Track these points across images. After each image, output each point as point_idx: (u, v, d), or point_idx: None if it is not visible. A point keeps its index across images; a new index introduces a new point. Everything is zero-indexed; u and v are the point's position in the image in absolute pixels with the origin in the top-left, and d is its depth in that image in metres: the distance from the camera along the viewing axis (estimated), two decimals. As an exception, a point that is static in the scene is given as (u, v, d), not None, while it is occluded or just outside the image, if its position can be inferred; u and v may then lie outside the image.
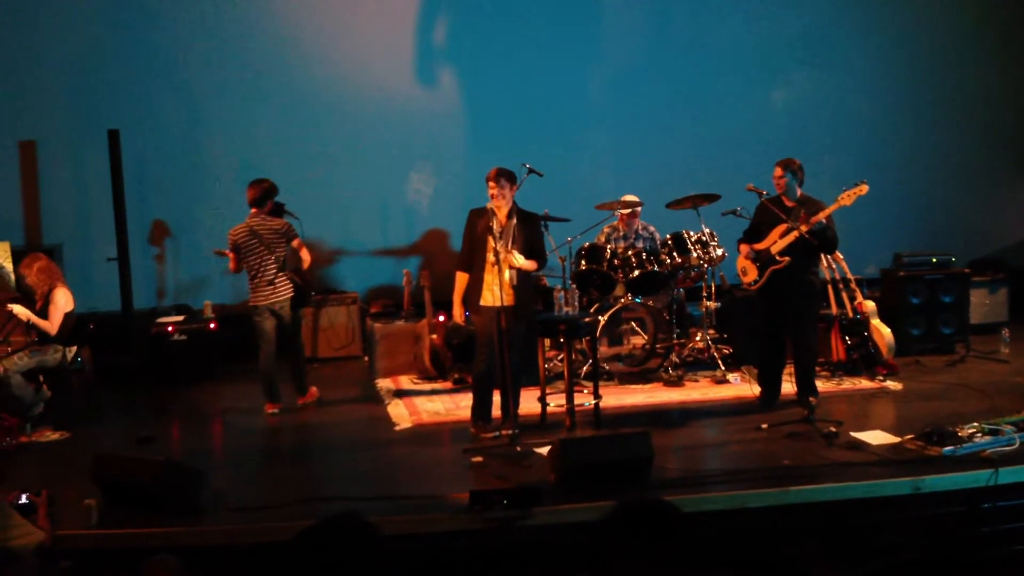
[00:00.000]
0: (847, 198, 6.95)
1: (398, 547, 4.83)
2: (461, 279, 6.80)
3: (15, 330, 7.66)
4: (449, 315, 7.63)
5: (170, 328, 8.83)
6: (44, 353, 7.27)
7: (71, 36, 9.45)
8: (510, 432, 6.33)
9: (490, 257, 6.52)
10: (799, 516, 5.36)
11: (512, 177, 6.68)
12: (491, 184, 6.58)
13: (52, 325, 7.23)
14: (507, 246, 6.53)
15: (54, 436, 7.06)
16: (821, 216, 6.91)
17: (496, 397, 6.82)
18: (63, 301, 7.29)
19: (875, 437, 6.27)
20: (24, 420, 7.05)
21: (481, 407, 6.76)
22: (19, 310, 7.19)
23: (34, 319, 7.21)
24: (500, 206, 6.58)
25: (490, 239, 6.53)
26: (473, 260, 6.67)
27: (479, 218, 6.65)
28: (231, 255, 7.58)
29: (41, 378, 7.30)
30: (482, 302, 6.61)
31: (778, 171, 7.14)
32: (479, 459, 6.18)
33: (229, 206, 9.61)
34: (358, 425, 7.33)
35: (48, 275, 7.34)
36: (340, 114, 9.94)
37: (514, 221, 6.62)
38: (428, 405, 7.70)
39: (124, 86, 9.56)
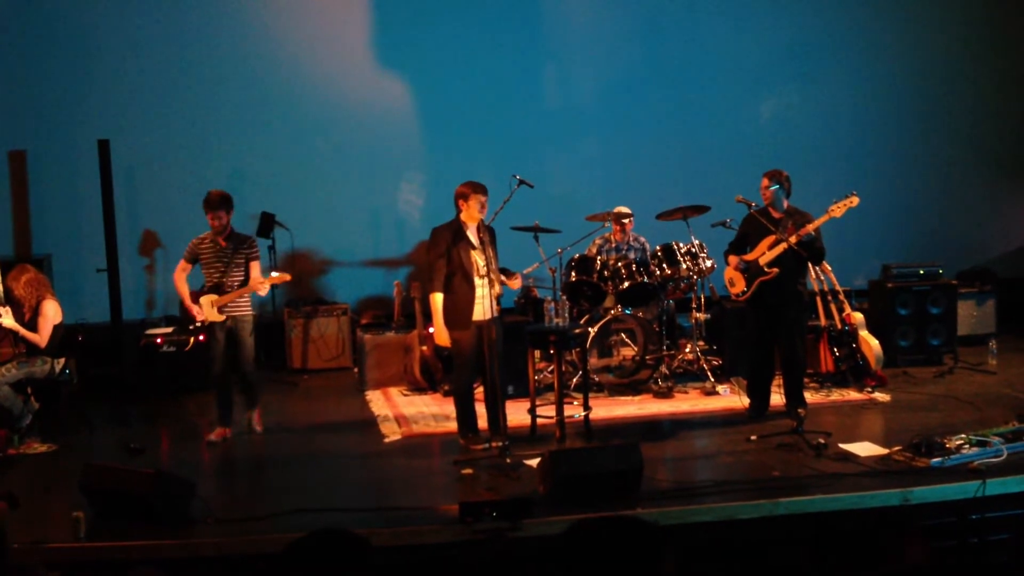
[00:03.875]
0: (837, 210, 6.97)
1: (388, 559, 4.83)
2: (441, 300, 6.58)
3: (3, 342, 7.63)
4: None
5: (159, 339, 8.80)
6: (32, 365, 7.23)
7: (61, 46, 9.45)
8: (499, 444, 6.33)
9: (479, 271, 6.52)
10: (789, 527, 5.37)
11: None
12: (483, 200, 6.51)
13: (41, 337, 7.21)
14: (490, 259, 6.50)
15: (42, 448, 7.02)
16: (810, 228, 6.93)
17: (480, 408, 6.82)
18: (51, 313, 7.26)
19: (864, 448, 6.28)
20: (12, 432, 7.01)
21: (468, 420, 6.75)
22: (7, 322, 7.16)
23: (22, 331, 7.18)
24: (481, 218, 6.56)
25: (472, 253, 6.54)
26: (453, 279, 6.56)
27: (450, 234, 6.56)
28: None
29: (29, 390, 7.27)
30: (475, 317, 6.59)
31: (765, 182, 7.16)
32: (469, 471, 6.17)
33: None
34: (348, 436, 7.32)
35: (36, 287, 7.31)
36: (331, 125, 9.97)
37: (484, 234, 6.58)
38: (418, 417, 7.70)
39: (114, 97, 9.57)
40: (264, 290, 7.16)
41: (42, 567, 4.48)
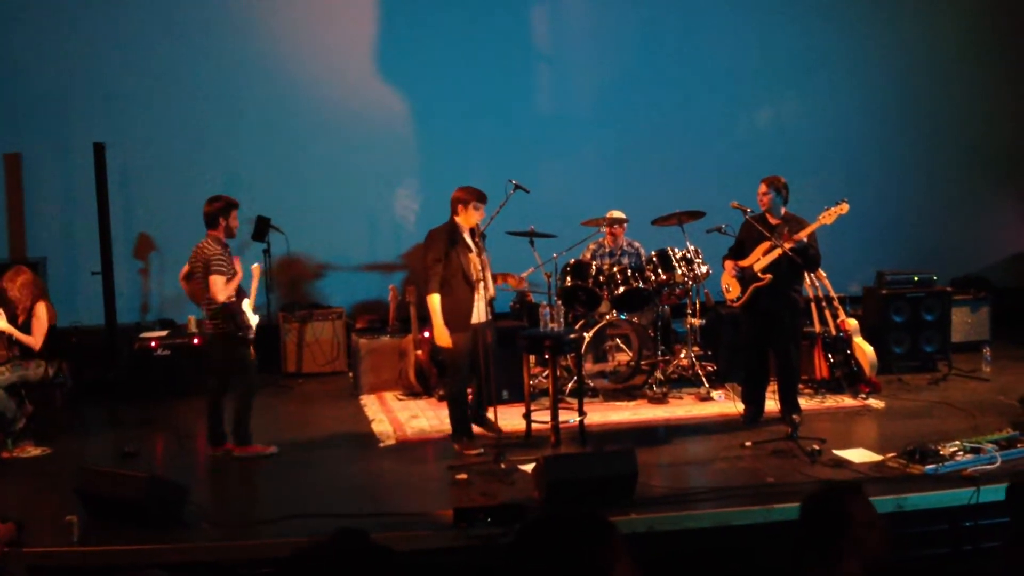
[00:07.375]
0: (828, 217, 6.99)
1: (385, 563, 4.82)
2: (439, 301, 6.60)
3: (-3, 344, 7.61)
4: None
5: (154, 343, 8.79)
6: (26, 368, 7.22)
7: (57, 49, 9.45)
8: (495, 448, 6.33)
9: (475, 274, 6.54)
10: (783, 534, 5.37)
11: None
12: (481, 206, 6.64)
13: (35, 340, 7.19)
14: (485, 263, 6.58)
15: (36, 452, 7.01)
16: (802, 234, 6.95)
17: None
18: (45, 315, 7.25)
19: (858, 455, 6.30)
20: (6, 435, 6.99)
21: (462, 425, 6.77)
22: (0, 325, 7.15)
23: (16, 334, 7.17)
24: (476, 223, 6.64)
25: (472, 257, 6.57)
26: (453, 281, 6.60)
27: (447, 237, 6.62)
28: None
29: (23, 393, 7.25)
30: (474, 320, 6.61)
31: (763, 188, 7.17)
32: (463, 476, 6.17)
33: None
34: (343, 441, 7.31)
35: (31, 289, 7.30)
36: (327, 129, 9.97)
37: (478, 238, 6.65)
38: (413, 422, 7.69)
39: (109, 99, 9.56)
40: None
41: (24, 570, 4.47)
